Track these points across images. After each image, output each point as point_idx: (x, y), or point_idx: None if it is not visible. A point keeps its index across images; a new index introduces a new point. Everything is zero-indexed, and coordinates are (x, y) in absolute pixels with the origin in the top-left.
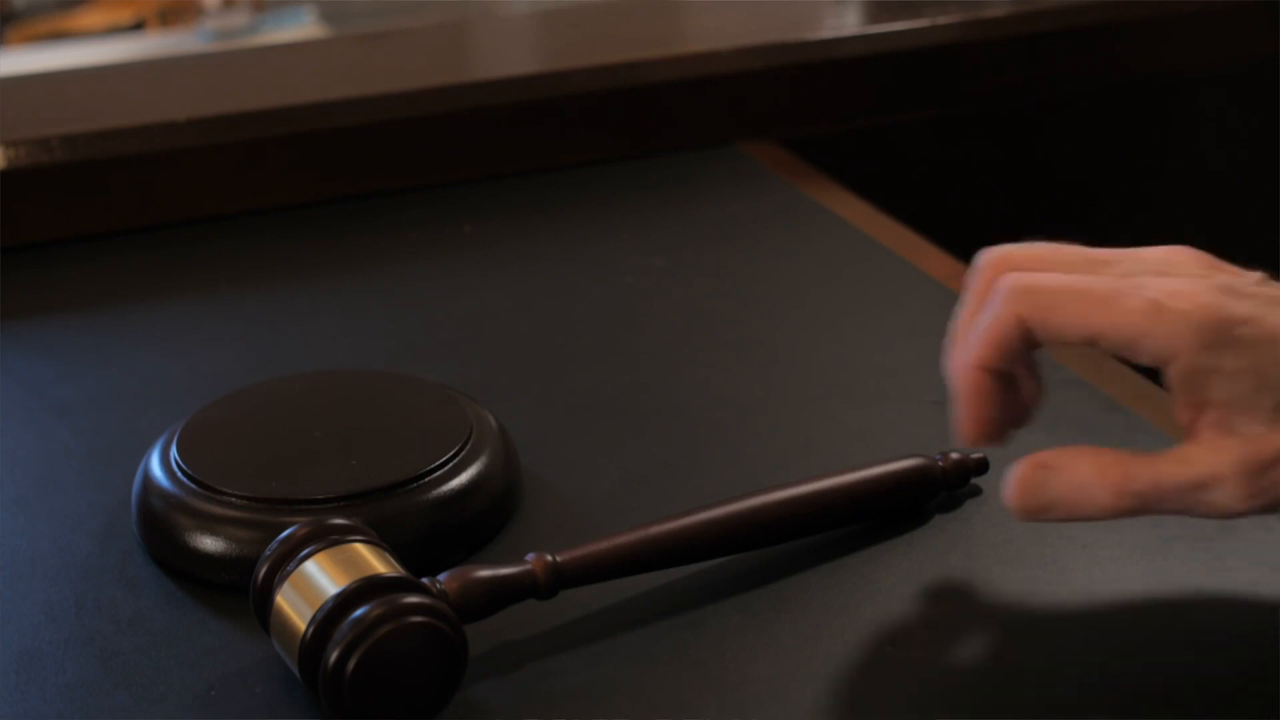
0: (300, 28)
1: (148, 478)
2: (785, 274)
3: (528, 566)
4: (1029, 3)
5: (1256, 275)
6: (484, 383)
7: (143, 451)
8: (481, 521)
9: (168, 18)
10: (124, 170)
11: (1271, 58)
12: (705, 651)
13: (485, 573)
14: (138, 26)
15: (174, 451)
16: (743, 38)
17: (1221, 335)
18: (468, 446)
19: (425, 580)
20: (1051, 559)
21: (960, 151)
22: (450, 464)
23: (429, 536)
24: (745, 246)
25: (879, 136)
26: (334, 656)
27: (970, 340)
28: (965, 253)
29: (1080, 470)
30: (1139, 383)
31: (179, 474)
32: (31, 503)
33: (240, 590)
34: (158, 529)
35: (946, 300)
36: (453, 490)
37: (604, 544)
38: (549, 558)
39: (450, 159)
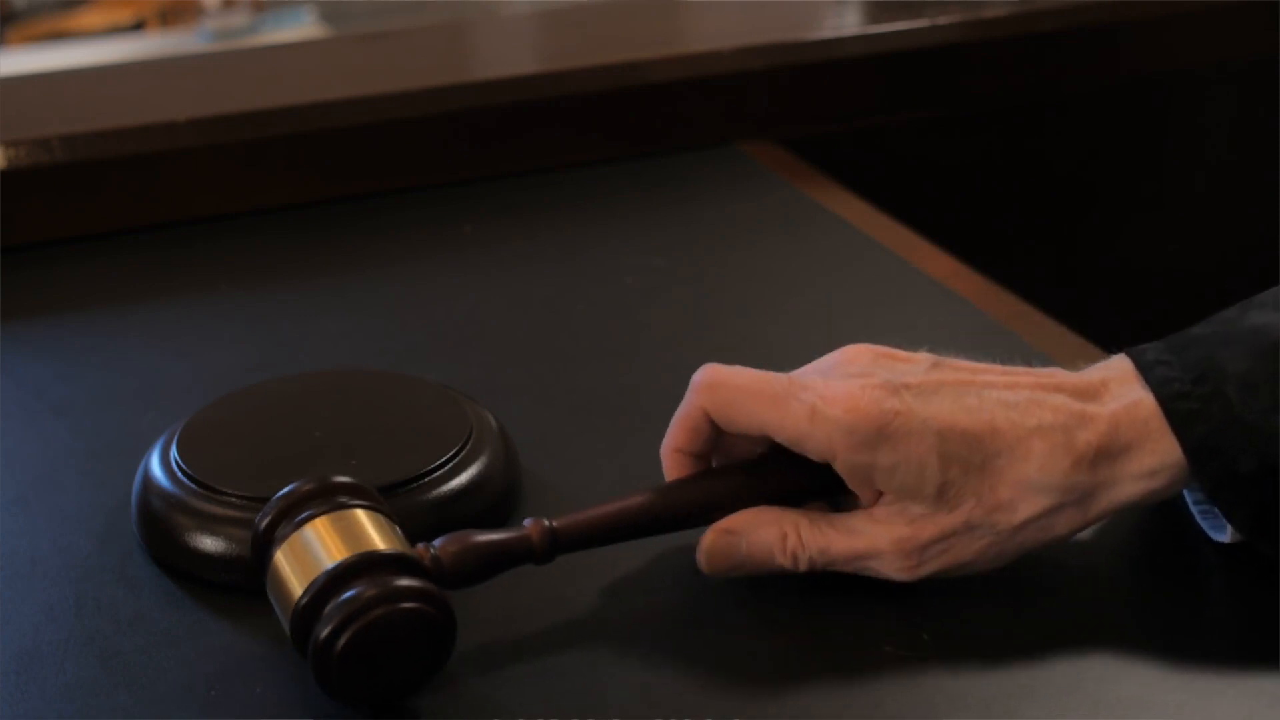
0: (300, 28)
1: (148, 478)
2: (785, 274)
3: (524, 532)
4: (1029, 3)
5: (925, 362)
6: (484, 383)
7: (143, 451)
8: (482, 521)
9: (168, 18)
10: (124, 170)
11: (1272, 57)
12: (706, 652)
13: (482, 538)
14: (138, 26)
15: (174, 451)
16: (743, 38)
17: (873, 435)
18: (468, 447)
19: (421, 546)
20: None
21: (960, 151)
22: (450, 464)
23: (429, 536)
24: (745, 246)
25: (879, 136)
26: (324, 633)
27: (671, 427)
28: (965, 253)
29: (761, 537)
30: None
31: (179, 474)
32: (31, 503)
33: (240, 590)
34: (158, 529)
35: (946, 300)
36: (453, 490)
37: (600, 509)
38: (546, 523)
39: (450, 159)
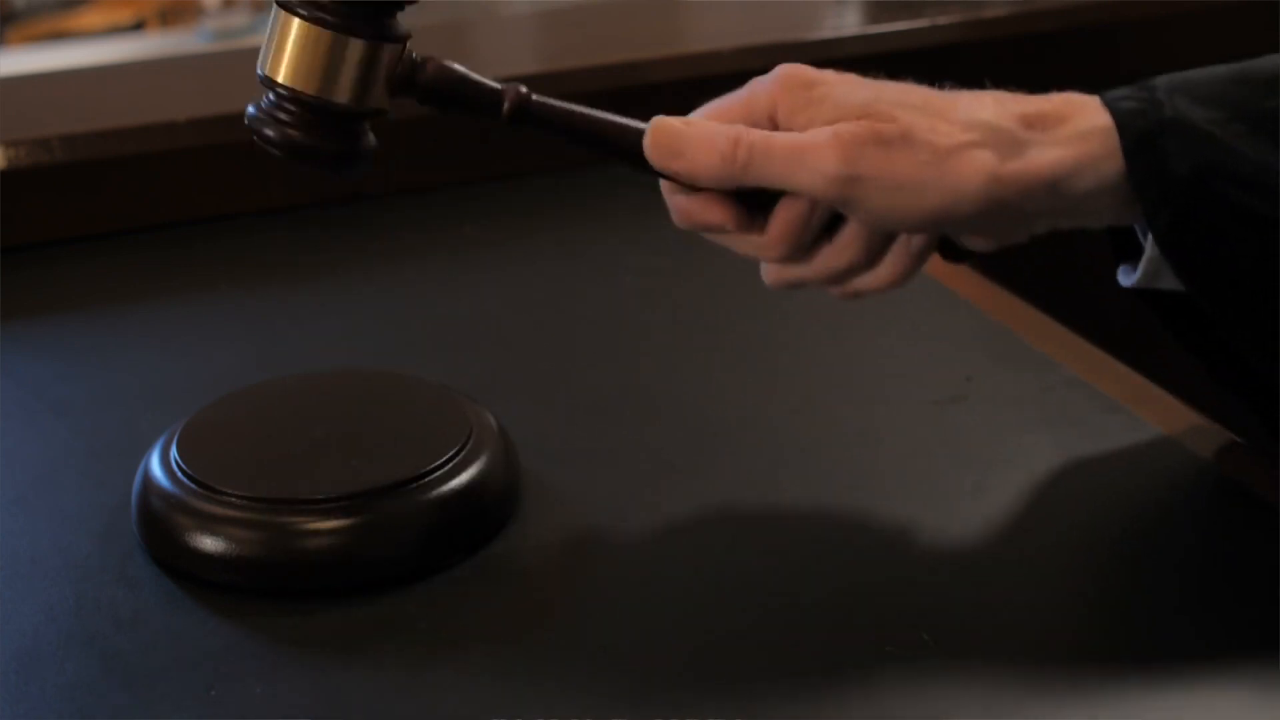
0: None
1: (148, 478)
2: None
3: (503, 87)
4: (1029, 3)
5: None
6: (484, 383)
7: (143, 451)
8: (481, 521)
9: (168, 18)
10: (123, 170)
11: None
12: (706, 652)
13: (467, 72)
14: (138, 26)
15: (174, 451)
16: (743, 38)
17: (808, 84)
18: (468, 446)
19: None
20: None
21: None
22: (450, 464)
23: (429, 536)
24: None
25: None
26: None
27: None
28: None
29: (708, 125)
30: (1140, 383)
31: (179, 474)
32: (31, 503)
33: (240, 590)
34: (158, 529)
35: (946, 300)
36: (453, 490)
37: (575, 107)
38: (522, 88)
39: (450, 159)
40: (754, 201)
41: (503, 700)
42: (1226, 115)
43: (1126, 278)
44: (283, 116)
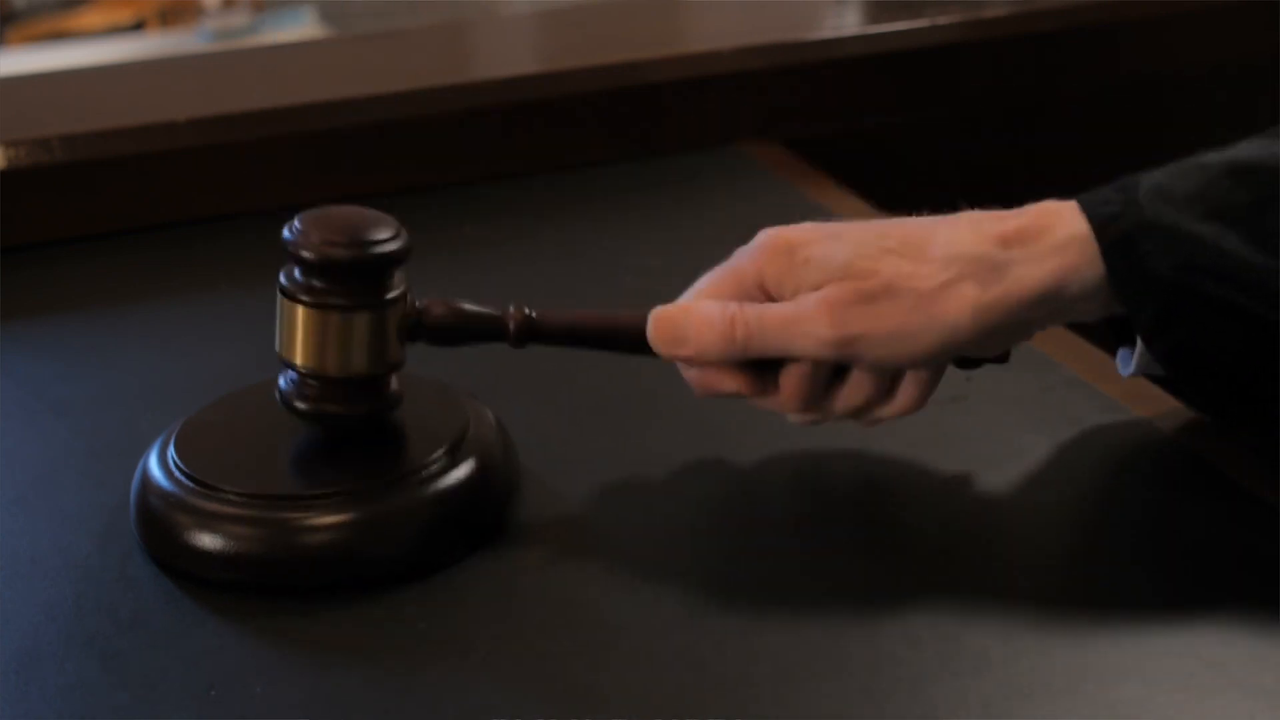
0: (300, 28)
1: (146, 477)
2: None
3: (504, 312)
4: (1029, 3)
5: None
6: (484, 383)
7: (142, 451)
8: (481, 517)
9: (168, 18)
10: (124, 170)
11: (1272, 57)
12: (706, 652)
13: (467, 305)
14: (138, 26)
15: (172, 450)
16: (743, 38)
17: (785, 249)
18: (466, 442)
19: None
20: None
21: (960, 151)
22: (449, 459)
23: (428, 532)
24: (747, 243)
25: (879, 136)
26: None
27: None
28: None
29: (705, 307)
30: (1139, 383)
31: (177, 472)
32: (31, 503)
33: (240, 589)
34: (156, 528)
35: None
36: (452, 486)
37: (581, 312)
38: (525, 309)
39: (450, 159)
40: (763, 364)
41: (503, 700)
42: (1203, 212)
43: (1125, 366)
44: (311, 393)
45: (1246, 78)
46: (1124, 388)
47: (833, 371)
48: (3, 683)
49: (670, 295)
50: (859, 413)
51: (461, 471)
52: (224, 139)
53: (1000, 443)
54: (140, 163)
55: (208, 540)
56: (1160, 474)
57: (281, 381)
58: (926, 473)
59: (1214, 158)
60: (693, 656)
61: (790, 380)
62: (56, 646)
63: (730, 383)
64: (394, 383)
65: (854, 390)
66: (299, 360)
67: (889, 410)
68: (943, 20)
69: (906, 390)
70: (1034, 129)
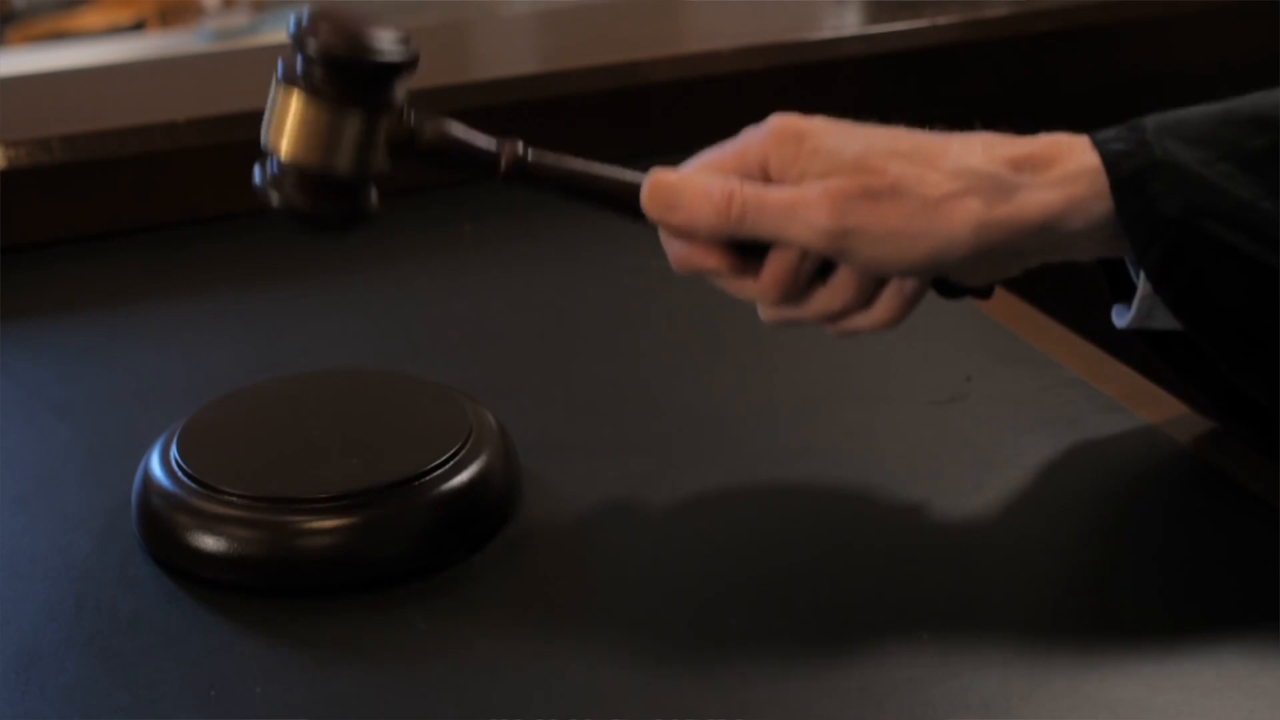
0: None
1: (148, 477)
2: None
3: (499, 145)
4: (1029, 3)
5: None
6: (484, 383)
7: (143, 451)
8: (481, 520)
9: (168, 18)
10: (124, 170)
11: (1272, 56)
12: (706, 652)
13: (462, 133)
14: (138, 26)
15: (174, 451)
16: (743, 38)
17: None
18: (468, 446)
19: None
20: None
21: None
22: (450, 463)
23: (429, 535)
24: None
25: None
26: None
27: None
28: None
29: (701, 177)
30: (1139, 383)
31: (179, 473)
32: (31, 503)
33: (240, 590)
34: (158, 528)
35: (945, 299)
36: (453, 489)
37: (572, 161)
38: (520, 145)
39: None
40: (748, 247)
41: (503, 700)
42: (1214, 155)
43: (1120, 318)
44: (287, 186)
45: (1247, 77)
46: (1124, 388)
47: (817, 269)
48: (3, 683)
49: (670, 296)
50: (834, 318)
51: (463, 476)
52: (224, 139)
53: (1000, 443)
54: (140, 163)
55: (209, 541)
56: (1160, 474)
57: (257, 175)
58: (926, 472)
59: (1224, 105)
60: (692, 656)
61: (774, 266)
62: (56, 646)
63: (712, 259)
64: (373, 196)
65: (835, 292)
66: (283, 148)
67: (864, 321)
68: (943, 20)
69: (885, 302)
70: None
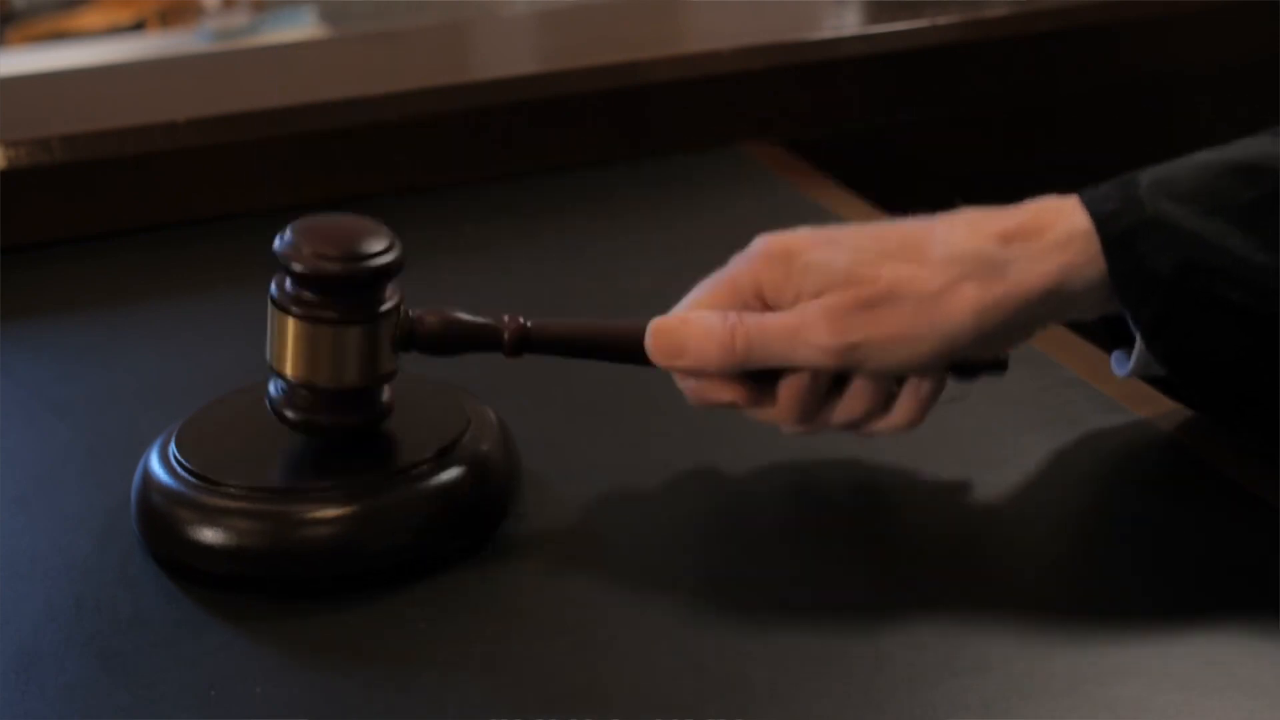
0: (300, 28)
1: (147, 473)
2: None
3: (499, 322)
4: (1029, 3)
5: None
6: (484, 382)
7: (143, 451)
8: (481, 513)
9: (168, 18)
10: (124, 170)
11: (1272, 57)
12: (706, 653)
13: (462, 315)
14: (138, 26)
15: (173, 447)
16: (743, 38)
17: (788, 257)
18: (467, 439)
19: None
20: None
21: (960, 151)
22: (450, 456)
23: (428, 526)
24: (745, 246)
25: (879, 136)
26: None
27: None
28: None
29: (704, 317)
30: (1139, 383)
31: (178, 468)
32: (31, 503)
33: (241, 586)
34: (157, 524)
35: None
36: (452, 481)
37: (576, 321)
38: (520, 319)
39: (450, 159)
40: (762, 375)
41: (503, 700)
42: (1205, 209)
43: (1120, 367)
44: (301, 404)
45: (1247, 77)
46: (1124, 388)
47: (831, 383)
48: (3, 683)
49: (670, 296)
50: (856, 425)
51: (462, 466)
52: (224, 139)
53: (1000, 443)
54: (140, 163)
55: (209, 534)
56: (1160, 474)
57: (271, 389)
58: (926, 473)
59: (1215, 155)
60: (692, 657)
61: (789, 391)
62: (56, 646)
63: (727, 393)
64: (386, 393)
65: (852, 402)
66: (289, 371)
67: (886, 424)
68: (943, 20)
69: (904, 404)
70: (1034, 129)
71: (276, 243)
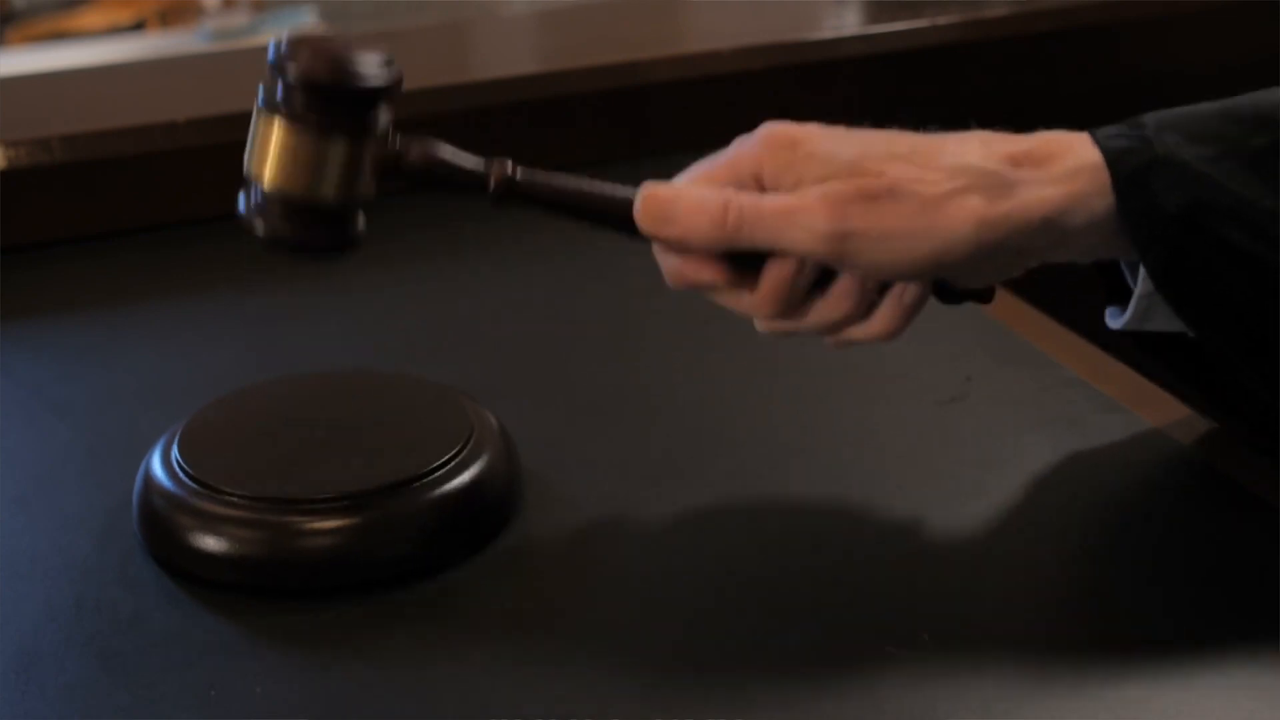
0: (300, 28)
1: (149, 477)
2: None
3: (487, 165)
4: (1029, 3)
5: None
6: (484, 383)
7: (143, 451)
8: (482, 521)
9: (168, 18)
10: (124, 170)
11: (1272, 57)
12: (706, 652)
13: (449, 155)
14: (138, 26)
15: (175, 451)
16: (743, 38)
17: (793, 144)
18: (468, 446)
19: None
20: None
21: None
22: (451, 464)
23: (430, 537)
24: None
25: None
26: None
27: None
28: None
29: (697, 189)
30: (1139, 383)
31: (180, 474)
32: (31, 503)
33: (241, 590)
34: (159, 528)
35: (946, 305)
36: (454, 490)
37: (562, 179)
38: (509, 165)
39: None
40: (744, 260)
41: (503, 699)
42: (1216, 152)
43: (1115, 320)
44: (272, 215)
45: (1247, 77)
46: (1124, 388)
47: (815, 279)
48: (3, 683)
49: (670, 295)
50: (833, 329)
51: (464, 477)
52: (224, 139)
53: (1000, 443)
54: (140, 163)
55: (210, 542)
56: (1160, 474)
57: (241, 203)
58: (926, 472)
59: (1230, 102)
60: (692, 657)
61: (772, 277)
62: (56, 646)
63: (708, 273)
64: (360, 222)
65: (833, 303)
66: (266, 177)
67: (864, 331)
68: (943, 20)
69: (884, 313)
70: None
71: (271, 47)
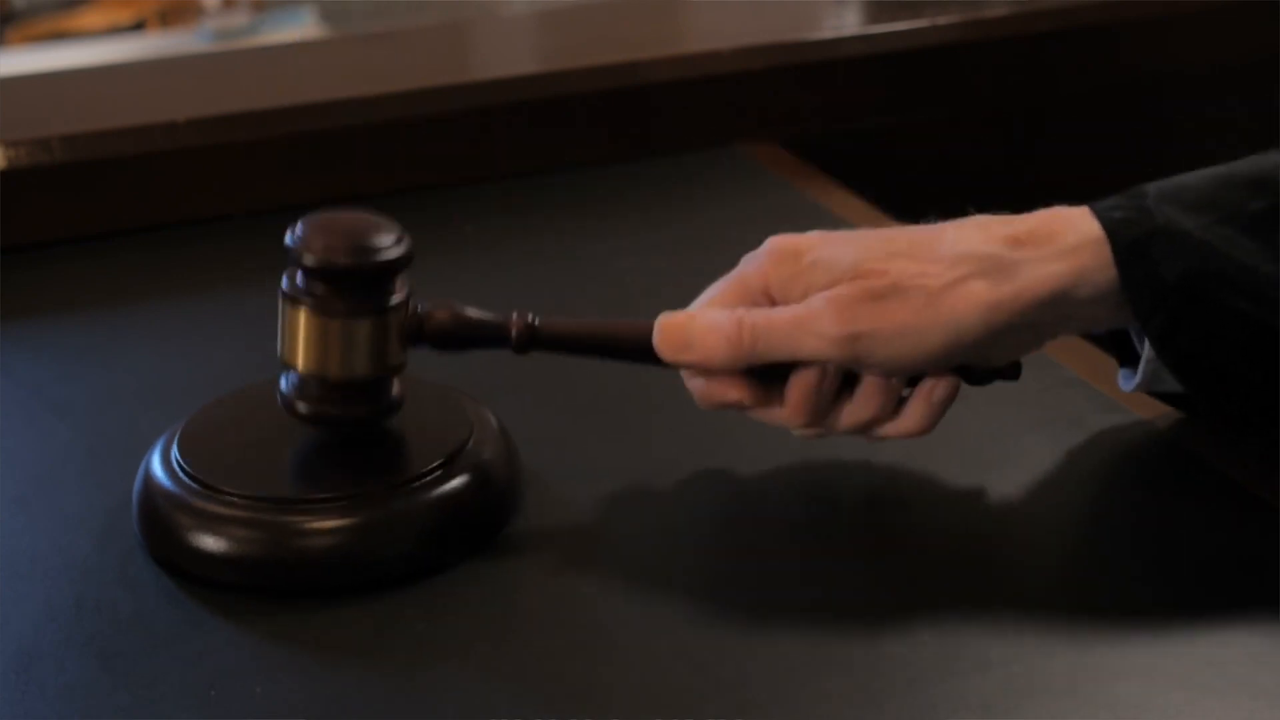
0: (300, 28)
1: (149, 477)
2: None
3: (507, 318)
4: (1029, 3)
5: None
6: (484, 382)
7: (143, 451)
8: (482, 520)
9: (168, 18)
10: (124, 170)
11: (1272, 56)
12: (706, 652)
13: (470, 311)
14: (138, 26)
15: (175, 451)
16: (743, 38)
17: (796, 255)
18: (469, 447)
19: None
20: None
21: (960, 151)
22: (452, 465)
23: (430, 537)
24: (745, 246)
25: (879, 136)
26: None
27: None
28: None
29: (711, 313)
30: None
31: (180, 473)
32: (31, 503)
33: (241, 590)
34: (159, 528)
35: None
36: (454, 489)
37: (584, 320)
38: (529, 316)
39: (450, 159)
40: (770, 374)
41: (502, 700)
42: (1214, 219)
43: (1127, 383)
44: (311, 396)
45: (1247, 77)
46: None
47: (840, 383)
48: (3, 683)
49: (671, 295)
50: (865, 428)
51: (464, 477)
52: (224, 139)
53: (1001, 443)
54: (140, 163)
55: (210, 542)
56: (1160, 474)
57: (283, 383)
58: (926, 473)
59: (1222, 170)
60: (693, 656)
61: (797, 388)
62: (56, 646)
63: (735, 392)
64: (395, 386)
65: (861, 404)
66: (300, 364)
67: (895, 429)
68: (943, 20)
69: (914, 409)
70: (1034, 129)
71: (288, 237)
